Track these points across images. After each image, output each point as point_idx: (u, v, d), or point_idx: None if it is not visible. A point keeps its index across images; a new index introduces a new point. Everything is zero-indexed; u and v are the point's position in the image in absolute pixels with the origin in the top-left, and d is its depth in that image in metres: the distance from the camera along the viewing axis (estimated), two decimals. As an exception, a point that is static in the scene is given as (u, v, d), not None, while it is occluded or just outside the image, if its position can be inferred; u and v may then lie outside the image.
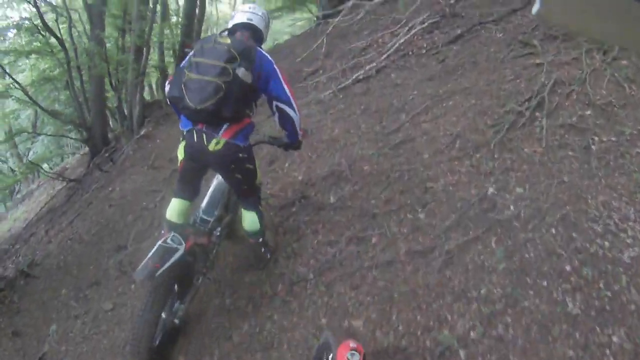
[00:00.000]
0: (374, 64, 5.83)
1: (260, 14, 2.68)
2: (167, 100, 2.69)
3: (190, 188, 2.81)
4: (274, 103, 2.57)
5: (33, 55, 9.90)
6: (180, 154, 2.63)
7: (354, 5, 8.20)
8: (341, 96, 5.34)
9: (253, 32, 2.62)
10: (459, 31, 5.58)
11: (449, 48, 5.31)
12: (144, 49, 8.64)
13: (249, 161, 2.65)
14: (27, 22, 9.24)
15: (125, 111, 9.12)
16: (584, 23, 0.75)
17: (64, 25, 9.57)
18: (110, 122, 9.94)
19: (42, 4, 9.19)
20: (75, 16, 10.01)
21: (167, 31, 10.34)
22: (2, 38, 10.30)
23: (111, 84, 9.12)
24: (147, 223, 4.92)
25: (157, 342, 2.61)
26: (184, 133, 2.54)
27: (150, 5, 8.89)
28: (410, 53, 5.71)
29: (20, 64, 11.08)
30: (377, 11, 8.11)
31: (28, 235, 7.71)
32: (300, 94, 6.28)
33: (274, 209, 3.78)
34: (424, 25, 6.23)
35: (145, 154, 7.32)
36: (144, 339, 2.42)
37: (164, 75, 10.08)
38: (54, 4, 10.10)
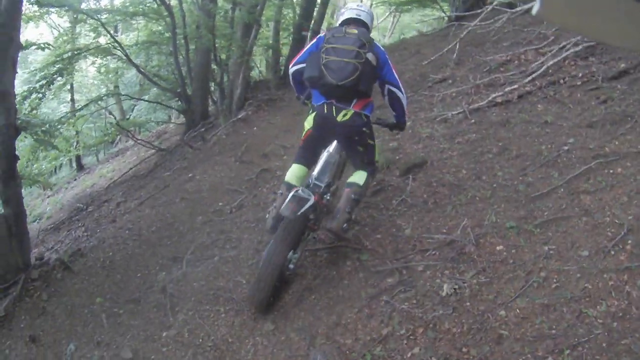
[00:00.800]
0: (516, 86, 5.03)
1: (366, 11, 3.09)
2: (292, 79, 3.21)
3: (310, 156, 3.19)
4: (386, 86, 2.99)
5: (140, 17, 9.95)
6: (308, 124, 3.01)
7: (494, 10, 7.27)
8: (473, 120, 4.65)
9: (365, 24, 3.01)
10: (622, 65, 4.59)
11: (612, 86, 4.37)
12: (254, 26, 8.18)
13: (370, 136, 3.09)
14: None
15: (227, 90, 8.93)
16: (584, 23, 0.76)
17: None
18: (213, 97, 9.81)
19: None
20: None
21: (286, 11, 10.04)
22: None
23: (215, 58, 8.96)
24: (213, 236, 4.39)
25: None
26: (315, 106, 2.95)
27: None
28: (561, 81, 4.84)
29: (133, 22, 11.34)
30: (519, 21, 7.14)
31: (102, 201, 7.57)
32: (423, 104, 5.69)
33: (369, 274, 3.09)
34: (577, 49, 5.25)
35: (237, 142, 7.01)
36: (270, 277, 2.78)
37: (276, 56, 9.81)
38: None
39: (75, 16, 9.83)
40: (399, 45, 9.50)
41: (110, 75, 11.84)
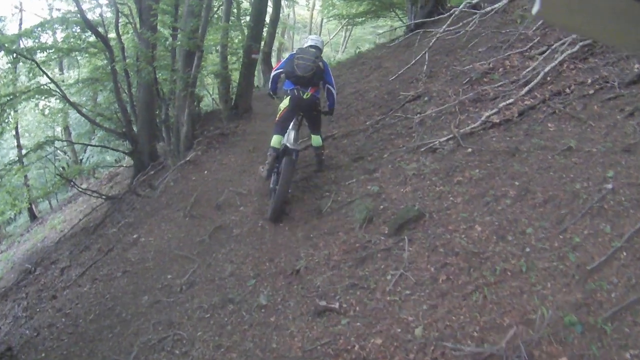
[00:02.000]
0: (511, 100, 4.15)
1: (320, 40, 4.82)
2: (271, 79, 4.73)
3: (285, 127, 4.38)
4: (326, 85, 4.49)
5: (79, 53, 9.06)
6: (284, 104, 4.41)
7: (460, 13, 6.46)
8: (470, 150, 3.70)
9: (318, 48, 4.59)
10: (637, 66, 3.77)
11: (633, 93, 3.53)
12: (196, 53, 7.03)
13: (319, 107, 4.59)
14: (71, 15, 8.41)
15: (173, 128, 7.81)
16: (584, 23, 0.75)
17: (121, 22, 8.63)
18: (162, 136, 8.71)
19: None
20: (125, 11, 8.99)
21: (234, 33, 9.04)
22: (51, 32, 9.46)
23: (158, 93, 7.89)
24: (160, 331, 3.46)
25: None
26: (289, 90, 4.41)
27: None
28: (567, 91, 3.98)
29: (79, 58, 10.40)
30: (491, 22, 6.36)
31: (49, 262, 6.86)
32: (399, 129, 4.80)
33: None
34: (573, 50, 4.45)
35: (186, 191, 5.94)
36: (284, 196, 4.20)
37: (226, 83, 8.70)
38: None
39: (14, 55, 8.73)
40: (357, 60, 8.62)
41: (57, 116, 11.19)
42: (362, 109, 6.01)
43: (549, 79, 4.31)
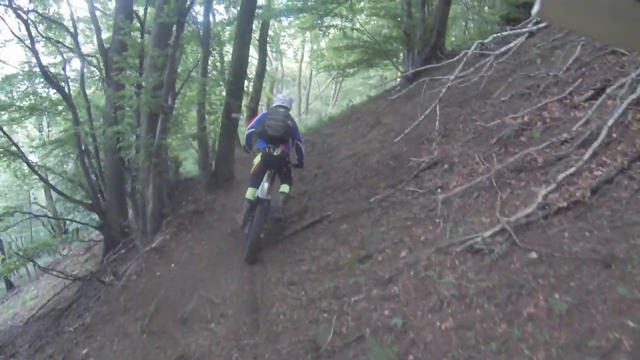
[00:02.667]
0: (573, 168, 2.98)
1: (288, 99, 5.10)
2: (246, 137, 5.07)
3: (259, 181, 4.67)
4: (296, 142, 4.82)
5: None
6: (257, 160, 4.78)
7: (471, 56, 5.43)
8: (534, 254, 2.48)
9: (286, 108, 4.84)
10: None
11: None
12: (160, 116, 5.81)
13: (288, 162, 4.88)
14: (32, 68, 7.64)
15: (139, 204, 6.59)
16: (584, 23, 0.75)
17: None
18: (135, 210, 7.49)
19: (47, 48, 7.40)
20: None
21: (214, 90, 8.06)
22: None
23: (123, 162, 6.80)
24: None
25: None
26: (260, 149, 4.71)
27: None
28: (653, 153, 2.80)
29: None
30: (505, 66, 5.36)
31: (8, 355, 5.92)
32: (417, 213, 3.60)
33: None
34: (635, 95, 3.37)
35: (148, 291, 4.67)
36: (257, 240, 4.54)
37: (204, 148, 7.56)
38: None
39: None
40: (351, 116, 7.58)
41: (30, 178, 10.28)
42: (362, 178, 4.88)
43: (615, 135, 3.18)
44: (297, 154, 4.96)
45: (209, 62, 8.49)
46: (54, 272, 7.98)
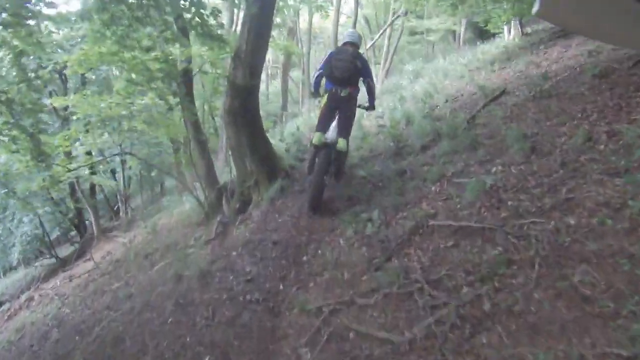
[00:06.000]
0: None
1: (356, 35, 4.96)
2: (314, 81, 4.96)
3: (326, 125, 4.71)
4: (366, 80, 4.75)
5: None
6: (323, 101, 4.76)
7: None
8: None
9: (355, 44, 4.80)
10: None
11: None
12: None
13: (355, 105, 4.84)
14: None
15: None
16: (584, 23, 0.75)
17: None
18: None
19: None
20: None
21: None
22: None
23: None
24: None
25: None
26: (327, 89, 4.72)
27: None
28: None
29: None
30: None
31: None
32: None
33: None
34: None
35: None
36: (320, 186, 4.56)
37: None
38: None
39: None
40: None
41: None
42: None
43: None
44: (368, 93, 4.88)
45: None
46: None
